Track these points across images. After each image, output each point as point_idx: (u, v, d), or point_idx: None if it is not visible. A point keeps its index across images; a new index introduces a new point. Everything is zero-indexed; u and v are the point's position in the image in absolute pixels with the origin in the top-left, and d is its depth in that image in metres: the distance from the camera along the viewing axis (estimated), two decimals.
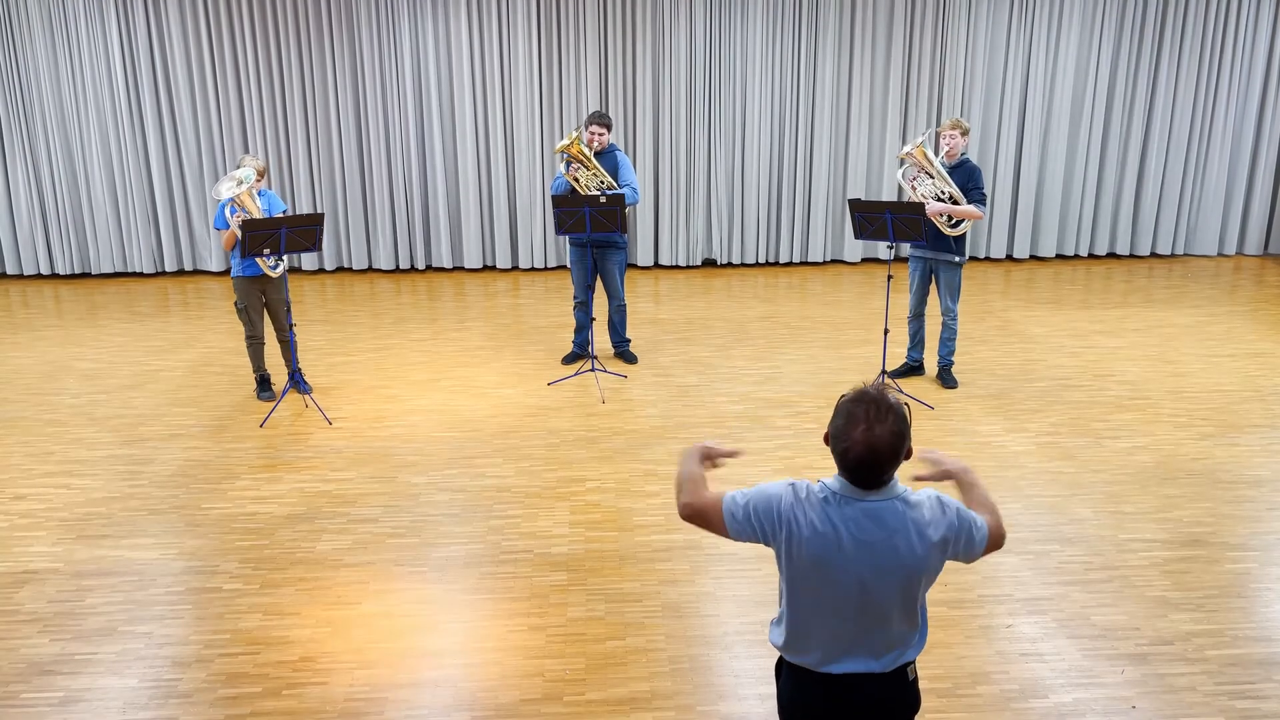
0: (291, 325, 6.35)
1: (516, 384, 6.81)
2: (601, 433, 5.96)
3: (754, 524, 2.28)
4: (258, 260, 6.08)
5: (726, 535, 2.32)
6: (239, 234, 5.80)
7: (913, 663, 2.35)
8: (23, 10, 9.26)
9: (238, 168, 6.10)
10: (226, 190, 5.93)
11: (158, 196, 9.82)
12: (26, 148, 9.60)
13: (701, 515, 2.35)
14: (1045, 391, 6.60)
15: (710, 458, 2.50)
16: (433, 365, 7.22)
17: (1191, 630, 3.95)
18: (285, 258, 6.17)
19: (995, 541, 2.36)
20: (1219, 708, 3.50)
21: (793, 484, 2.28)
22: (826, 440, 2.26)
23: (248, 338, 6.42)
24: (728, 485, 5.29)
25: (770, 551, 4.43)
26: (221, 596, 4.23)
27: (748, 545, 4.55)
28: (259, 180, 6.15)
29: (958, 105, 10.10)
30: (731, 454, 2.50)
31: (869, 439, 2.14)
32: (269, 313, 6.43)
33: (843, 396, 2.23)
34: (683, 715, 3.49)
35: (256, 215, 6.01)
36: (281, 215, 6.09)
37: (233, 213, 6.02)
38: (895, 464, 2.18)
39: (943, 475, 2.48)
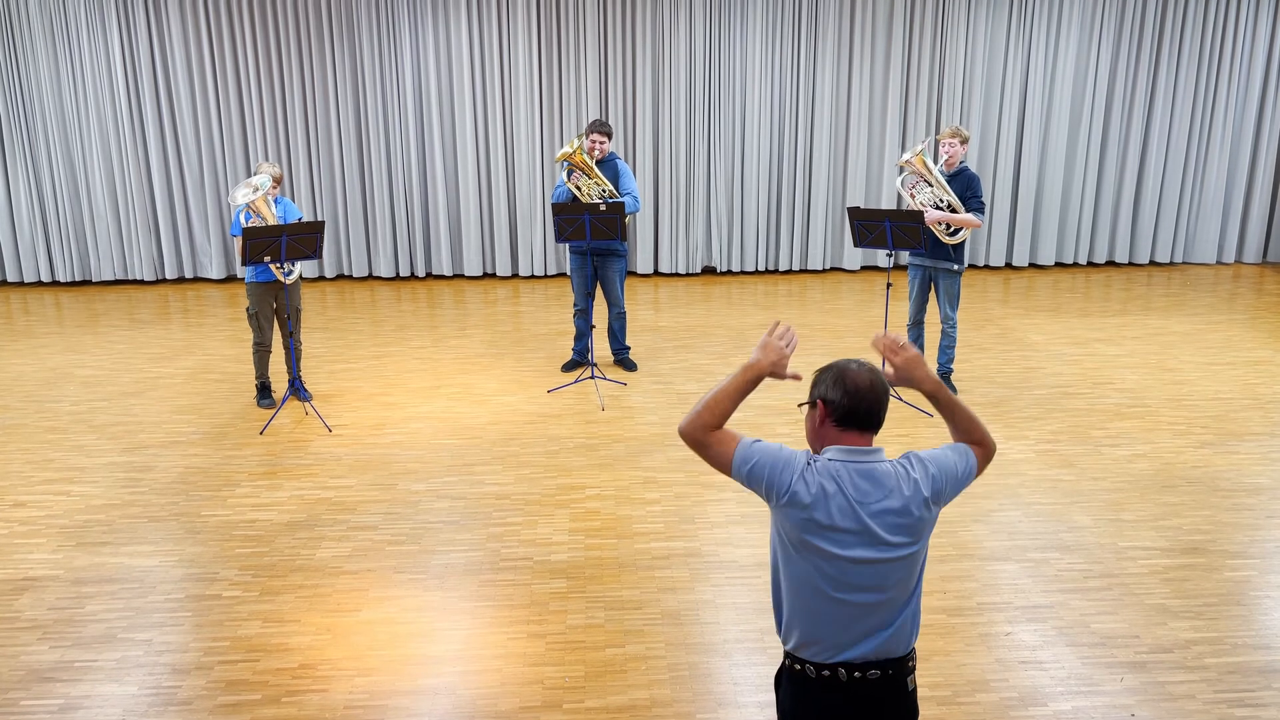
0: (291, 334, 6.35)
1: (516, 391, 6.81)
2: (601, 440, 5.96)
3: (763, 479, 2.28)
4: (271, 266, 6.09)
5: (724, 471, 2.33)
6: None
7: (913, 669, 2.35)
8: (24, 17, 9.29)
9: (255, 174, 6.12)
10: (242, 196, 5.95)
11: (158, 204, 9.84)
12: (27, 155, 9.62)
13: (703, 447, 2.34)
14: (1044, 399, 6.61)
15: (778, 374, 2.42)
16: (433, 372, 7.23)
17: (1191, 638, 3.95)
18: (298, 264, 6.18)
19: (986, 459, 2.47)
20: (1218, 716, 3.50)
21: (808, 453, 2.33)
22: (816, 417, 2.32)
23: (255, 344, 6.43)
24: (726, 491, 5.27)
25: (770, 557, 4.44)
26: (221, 604, 4.23)
27: (747, 553, 4.56)
28: (275, 187, 6.17)
29: (956, 113, 10.13)
30: (794, 378, 2.46)
31: (868, 367, 2.29)
32: (278, 319, 6.44)
33: (814, 378, 2.36)
34: None
35: (271, 222, 6.03)
36: (296, 223, 6.10)
37: (248, 219, 6.04)
38: (889, 402, 2.32)
39: (903, 379, 2.44)
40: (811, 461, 2.29)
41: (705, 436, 2.33)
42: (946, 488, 2.33)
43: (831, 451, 2.29)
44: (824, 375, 2.33)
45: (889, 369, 2.45)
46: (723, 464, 2.33)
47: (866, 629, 2.28)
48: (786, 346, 2.42)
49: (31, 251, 9.90)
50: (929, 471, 2.31)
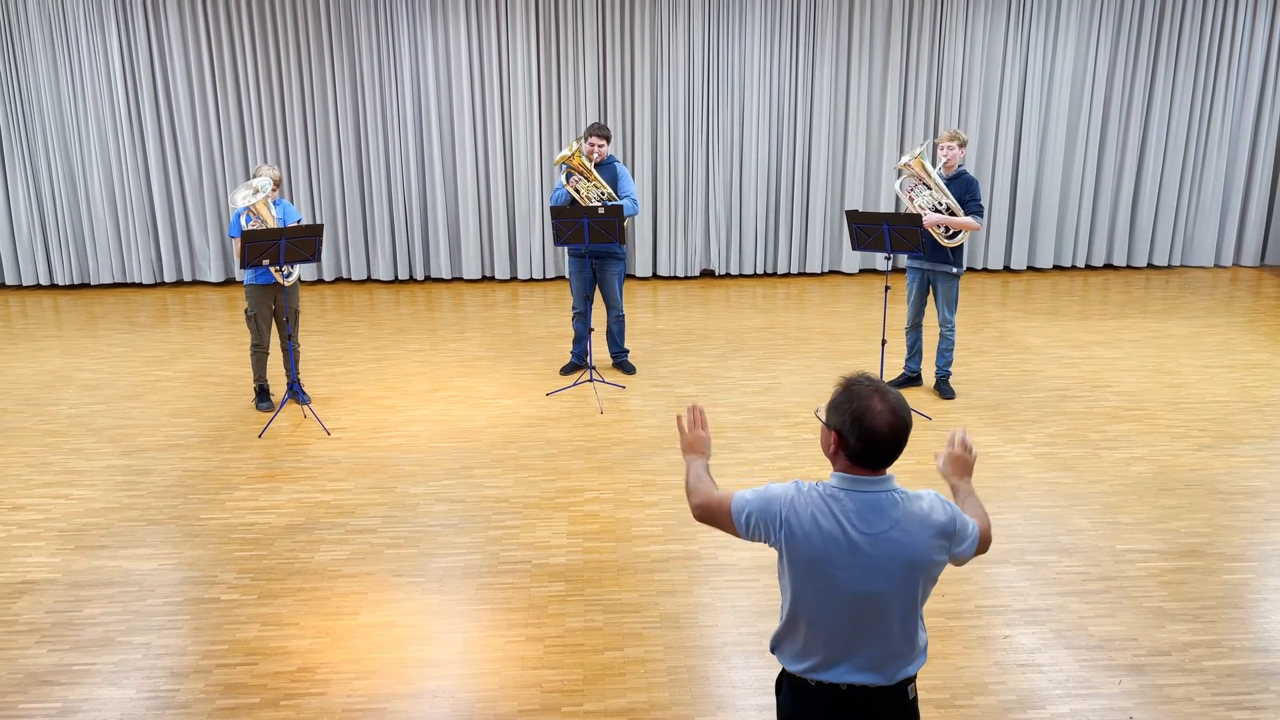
0: (290, 337, 6.35)
1: (515, 394, 6.81)
2: (600, 443, 5.96)
3: (760, 524, 2.29)
4: (271, 269, 6.09)
5: (737, 535, 2.36)
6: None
7: (914, 680, 2.35)
8: (24, 24, 9.30)
9: (254, 176, 6.13)
10: (242, 199, 5.96)
11: (157, 208, 9.84)
12: (26, 159, 9.62)
13: (711, 516, 2.39)
14: (1043, 402, 6.61)
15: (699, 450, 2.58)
16: (431, 376, 7.23)
17: (1189, 641, 3.95)
18: (297, 266, 6.19)
19: (983, 544, 2.40)
20: (1216, 718, 3.50)
21: (797, 483, 2.30)
22: (830, 443, 2.26)
23: (253, 346, 6.43)
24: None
25: (769, 561, 4.44)
26: (220, 607, 4.22)
27: (746, 556, 4.56)
28: (275, 190, 6.18)
29: (955, 116, 10.14)
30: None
31: (891, 406, 2.17)
32: (276, 321, 6.45)
33: (832, 397, 2.25)
34: None
35: (271, 224, 6.04)
36: (295, 225, 6.11)
37: (248, 221, 6.05)
38: (908, 436, 2.21)
39: (946, 468, 2.54)
40: (806, 490, 2.27)
41: (707, 508, 2.41)
42: (957, 531, 2.27)
43: (837, 479, 2.26)
44: (844, 404, 2.20)
45: (943, 456, 2.52)
46: (730, 532, 2.38)
47: (866, 657, 2.26)
48: (702, 430, 2.58)
49: (30, 255, 9.90)
50: (947, 509, 2.26)
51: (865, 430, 2.16)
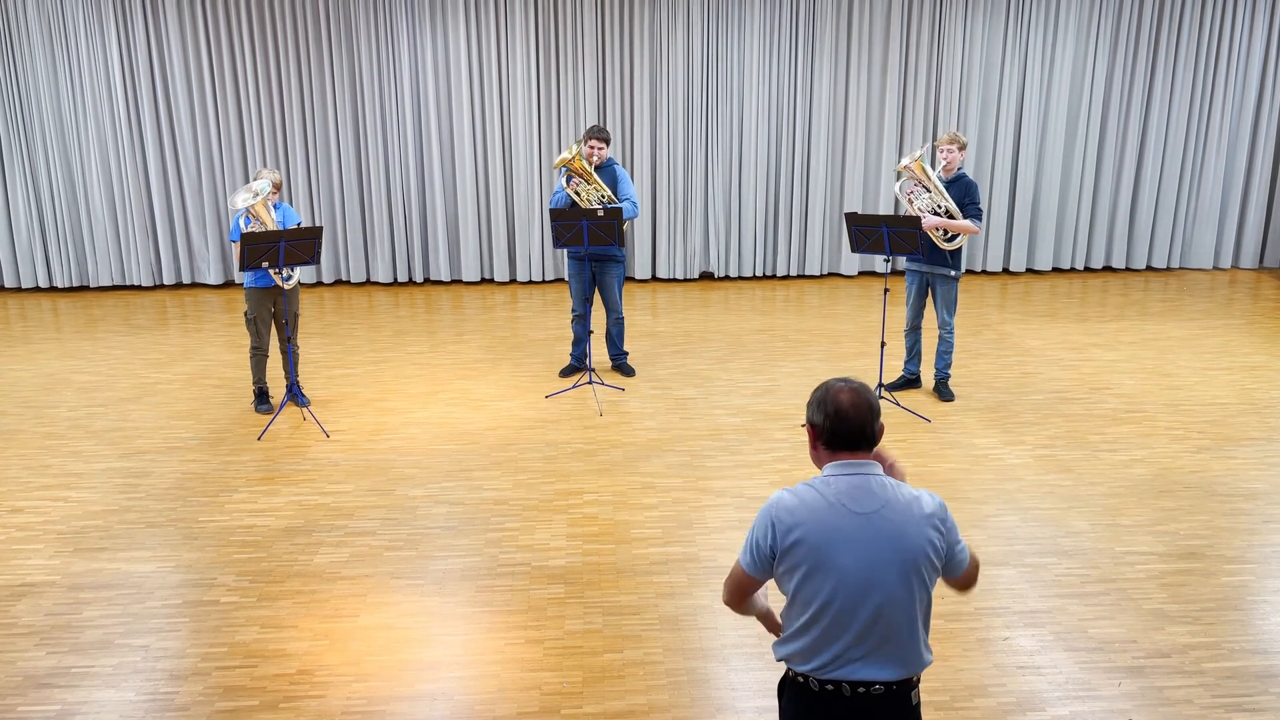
0: (289, 340, 6.35)
1: (514, 397, 6.81)
2: (599, 445, 5.96)
3: (766, 538, 2.31)
4: (270, 272, 6.10)
5: (764, 579, 2.40)
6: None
7: (917, 683, 2.34)
8: (23, 27, 9.30)
9: (255, 180, 6.14)
10: (242, 201, 5.96)
11: (156, 211, 9.84)
12: (25, 162, 9.62)
13: (735, 583, 2.43)
14: (1042, 404, 6.62)
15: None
16: (431, 378, 7.23)
17: (1188, 643, 3.95)
18: (297, 269, 6.19)
19: (973, 570, 2.42)
20: None
21: (780, 490, 2.37)
22: (809, 438, 2.38)
23: (252, 348, 6.43)
24: (724, 496, 5.29)
25: None
26: (219, 609, 4.22)
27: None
28: (275, 193, 6.18)
29: (954, 119, 10.15)
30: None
31: (851, 388, 2.34)
32: (275, 324, 6.45)
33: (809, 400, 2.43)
34: None
35: (271, 227, 6.04)
36: (295, 228, 6.11)
37: (248, 224, 6.05)
38: (878, 419, 2.32)
39: None
40: (794, 488, 2.33)
41: (730, 583, 2.44)
42: (948, 522, 2.30)
43: (829, 469, 2.33)
44: (815, 396, 2.38)
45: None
46: (750, 577, 2.39)
47: (872, 652, 2.27)
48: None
49: (29, 257, 9.89)
50: (935, 500, 2.30)
51: (829, 408, 2.31)
